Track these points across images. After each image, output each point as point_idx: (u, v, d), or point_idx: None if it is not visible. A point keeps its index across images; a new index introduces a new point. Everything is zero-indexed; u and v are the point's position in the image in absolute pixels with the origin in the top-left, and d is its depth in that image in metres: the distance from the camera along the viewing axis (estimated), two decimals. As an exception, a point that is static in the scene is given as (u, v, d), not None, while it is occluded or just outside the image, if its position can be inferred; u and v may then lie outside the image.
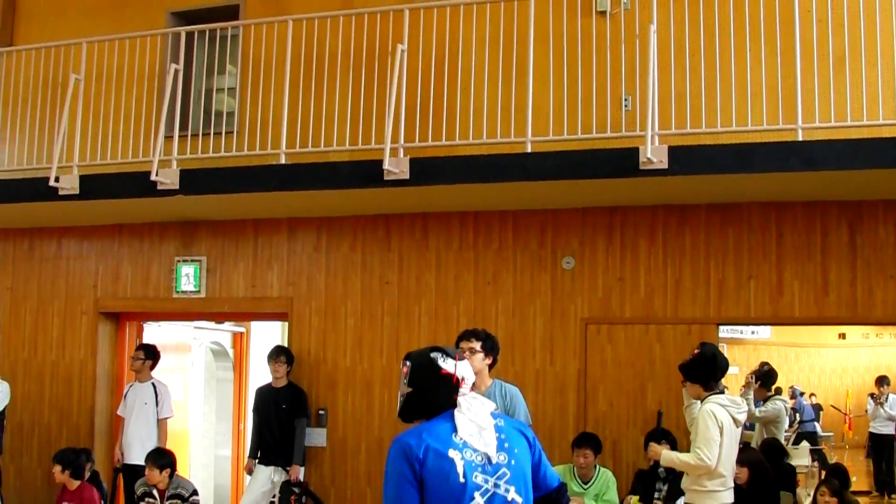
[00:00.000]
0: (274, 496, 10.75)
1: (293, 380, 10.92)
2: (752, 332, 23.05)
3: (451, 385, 4.27)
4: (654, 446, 7.89)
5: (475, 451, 4.16)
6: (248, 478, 11.39)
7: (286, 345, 11.45)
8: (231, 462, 14.88)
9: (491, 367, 7.72)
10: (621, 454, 9.85)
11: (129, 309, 12.21)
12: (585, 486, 9.14)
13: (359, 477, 10.81)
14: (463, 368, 4.32)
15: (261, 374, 13.06)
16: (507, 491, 4.16)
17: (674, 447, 8.65)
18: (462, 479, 4.08)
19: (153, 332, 12.58)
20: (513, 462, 4.23)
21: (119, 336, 12.39)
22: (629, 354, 10.05)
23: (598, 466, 9.30)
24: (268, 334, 14.99)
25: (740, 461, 8.42)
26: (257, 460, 10.88)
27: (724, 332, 10.95)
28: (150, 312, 12.28)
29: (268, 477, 10.72)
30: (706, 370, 7.68)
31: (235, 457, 14.74)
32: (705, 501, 7.59)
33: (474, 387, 7.55)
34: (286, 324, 11.83)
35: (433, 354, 4.32)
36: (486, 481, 4.13)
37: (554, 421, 10.12)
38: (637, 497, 9.04)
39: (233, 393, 15.03)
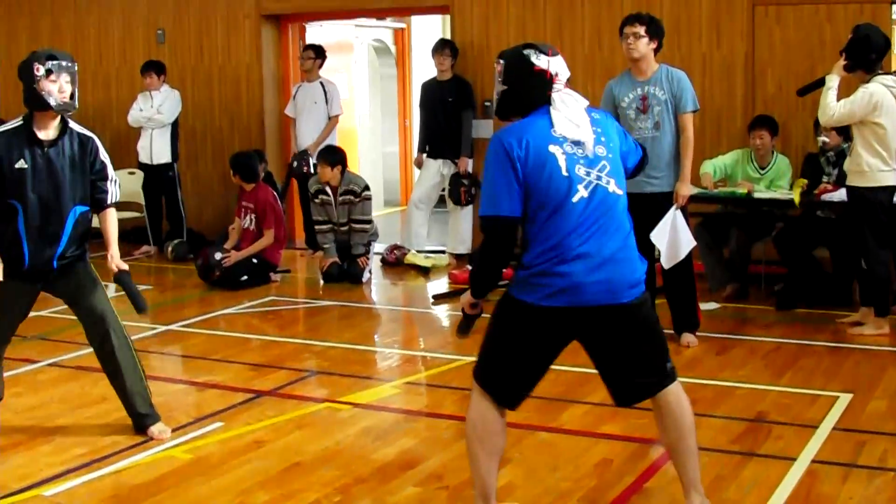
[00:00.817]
0: (444, 189, 10.99)
1: (458, 72, 10.94)
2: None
3: (544, 81, 4.22)
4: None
5: (575, 144, 4.14)
6: (417, 172, 11.63)
7: (449, 38, 11.41)
8: (399, 158, 15.22)
9: (656, 51, 7.58)
10: (790, 138, 9.70)
11: (291, 10, 12.26)
12: (762, 172, 9.09)
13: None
14: (556, 64, 4.25)
15: (424, 69, 13.13)
16: (608, 183, 4.15)
17: None
18: (565, 173, 4.08)
19: (315, 33, 12.67)
20: (610, 155, 4.22)
21: (282, 38, 12.50)
22: (798, 36, 9.75)
23: (775, 152, 9.19)
24: (429, 29, 14.98)
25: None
26: (426, 154, 11.07)
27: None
28: (312, 13, 12.33)
29: (437, 170, 10.94)
30: (860, 51, 7.48)
31: (403, 152, 15.06)
32: (867, 182, 7.57)
33: (639, 72, 7.54)
34: (447, 17, 11.76)
35: (526, 51, 4.26)
36: (588, 174, 4.11)
37: (722, 106, 10.01)
38: (805, 181, 8.95)
39: (397, 89, 15.20)
